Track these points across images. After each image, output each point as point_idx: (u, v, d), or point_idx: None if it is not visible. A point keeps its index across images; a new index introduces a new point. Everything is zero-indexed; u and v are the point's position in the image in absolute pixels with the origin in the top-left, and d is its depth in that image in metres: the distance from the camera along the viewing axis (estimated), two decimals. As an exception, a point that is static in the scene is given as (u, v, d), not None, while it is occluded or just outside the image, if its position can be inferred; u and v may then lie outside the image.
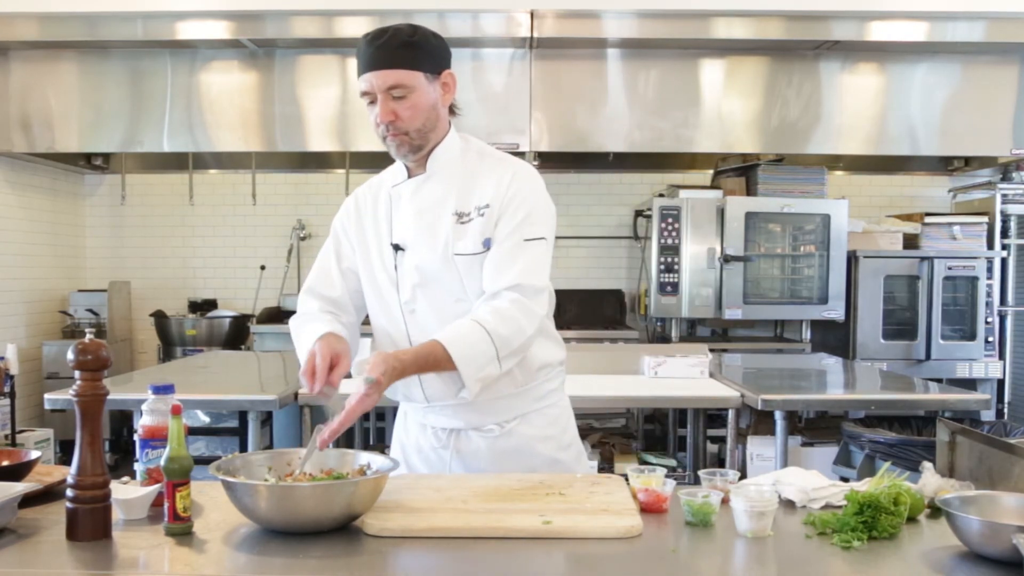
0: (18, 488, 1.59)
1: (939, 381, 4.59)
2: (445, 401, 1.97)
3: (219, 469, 1.58)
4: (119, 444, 5.83)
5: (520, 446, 1.99)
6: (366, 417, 4.88)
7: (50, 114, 5.35)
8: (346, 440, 4.06)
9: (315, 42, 5.18)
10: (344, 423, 1.70)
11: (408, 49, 1.86)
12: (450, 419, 2.00)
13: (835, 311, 5.44)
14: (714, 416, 4.29)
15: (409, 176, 1.99)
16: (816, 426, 4.15)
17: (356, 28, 5.05)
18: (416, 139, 1.90)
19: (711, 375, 3.78)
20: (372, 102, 1.88)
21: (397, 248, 1.96)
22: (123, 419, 5.75)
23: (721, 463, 3.78)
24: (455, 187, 1.94)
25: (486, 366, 1.81)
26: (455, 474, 2.01)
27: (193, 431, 4.62)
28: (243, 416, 4.05)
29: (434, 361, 1.80)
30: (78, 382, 1.53)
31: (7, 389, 4.33)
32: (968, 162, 6.12)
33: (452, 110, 1.99)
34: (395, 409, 5.30)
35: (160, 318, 5.98)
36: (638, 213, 6.18)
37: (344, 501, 1.52)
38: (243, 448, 4.35)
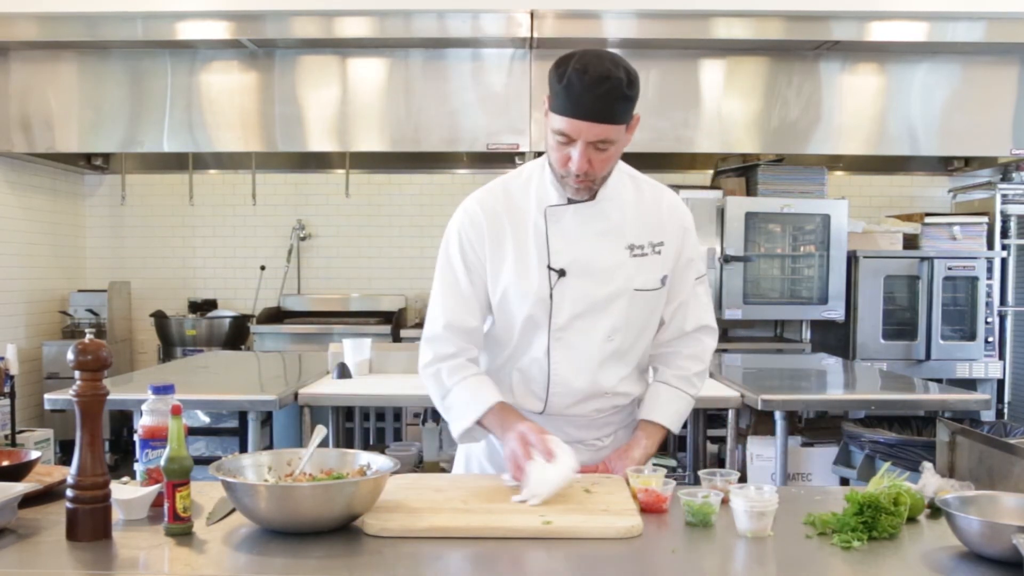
0: (18, 488, 1.59)
1: (939, 381, 4.59)
2: (563, 414, 1.98)
3: (219, 469, 1.58)
4: (119, 444, 5.83)
5: None
6: (366, 417, 4.88)
7: (50, 114, 5.34)
8: (346, 440, 4.06)
9: (315, 42, 5.18)
10: None
11: (624, 103, 1.80)
12: (558, 431, 1.93)
13: (835, 311, 5.44)
14: (714, 416, 4.28)
15: (569, 199, 1.91)
16: (816, 426, 4.15)
17: (356, 28, 5.06)
18: (598, 184, 1.88)
19: (711, 375, 3.78)
20: (566, 143, 1.79)
21: (561, 273, 1.90)
22: (123, 419, 5.75)
23: (721, 463, 3.78)
24: (625, 217, 1.94)
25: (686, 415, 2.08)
26: (455, 474, 2.01)
27: (193, 431, 4.62)
28: (243, 416, 4.05)
29: (661, 439, 2.03)
30: (78, 382, 1.53)
31: (7, 389, 4.33)
32: (968, 162, 6.12)
33: None
34: (395, 410, 5.25)
35: (160, 318, 5.98)
36: (638, 213, 6.17)
37: (344, 501, 1.52)
38: (243, 448, 4.35)
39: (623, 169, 1.99)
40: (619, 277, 1.91)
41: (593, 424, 2.03)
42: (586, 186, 1.85)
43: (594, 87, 1.75)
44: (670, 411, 2.02)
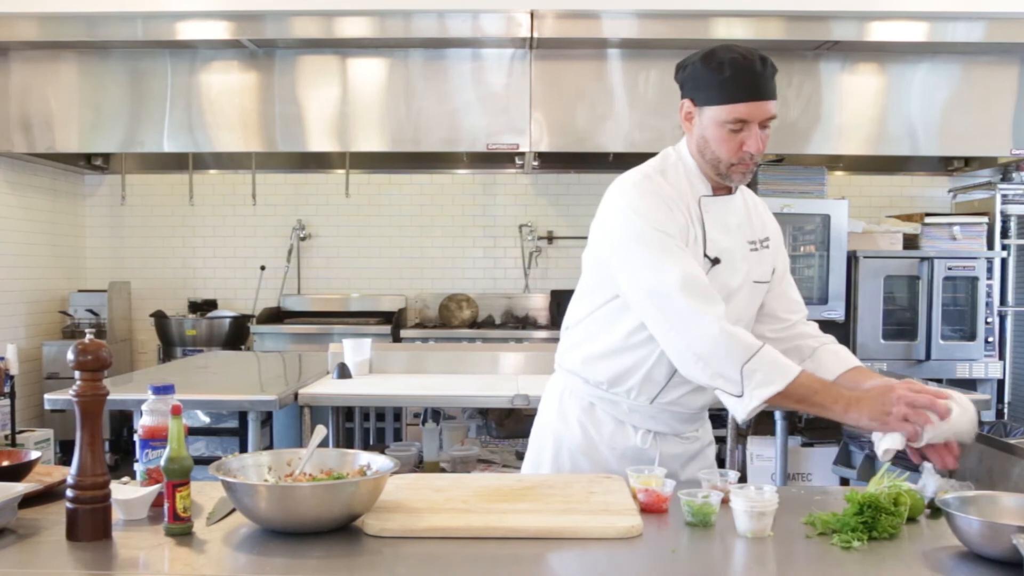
0: (18, 488, 1.59)
1: (939, 381, 4.59)
2: (671, 404, 1.99)
3: (219, 469, 1.58)
4: (119, 444, 5.83)
5: (699, 451, 2.11)
6: (366, 417, 4.88)
7: (50, 114, 5.35)
8: (346, 440, 4.06)
9: (315, 42, 5.18)
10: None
11: (775, 78, 1.88)
12: (661, 423, 2.01)
13: (835, 311, 5.44)
14: (714, 416, 4.27)
15: (713, 191, 1.96)
16: (816, 426, 4.15)
17: (356, 28, 5.06)
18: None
19: (711, 375, 3.77)
20: (738, 130, 1.84)
21: (716, 261, 1.93)
22: (123, 419, 5.75)
23: (721, 463, 3.77)
24: (744, 214, 2.02)
25: None
26: (455, 474, 2.02)
27: (193, 431, 4.62)
28: (243, 416, 4.05)
29: None
30: (78, 382, 1.53)
31: (7, 389, 4.33)
32: (968, 162, 6.11)
33: None
34: (395, 410, 5.25)
35: (160, 318, 5.98)
36: (638, 213, 6.18)
37: (344, 501, 1.52)
38: (243, 448, 4.35)
39: None
40: (744, 268, 1.97)
41: (694, 417, 2.07)
42: (751, 169, 1.91)
43: (759, 67, 1.83)
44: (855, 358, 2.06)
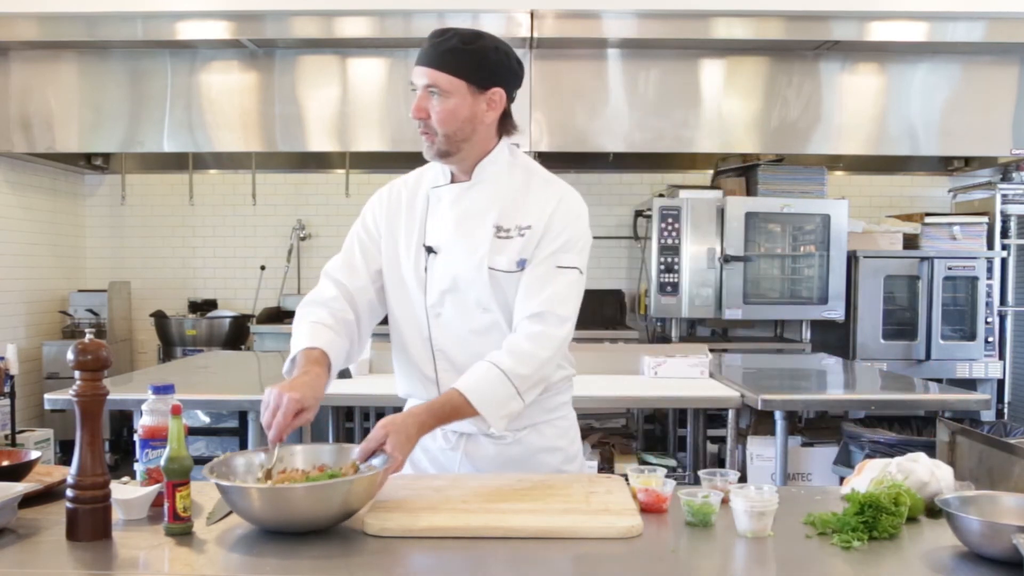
0: (18, 488, 1.59)
1: (939, 381, 4.59)
2: None
3: (212, 471, 1.57)
4: (119, 444, 5.83)
5: (528, 455, 2.00)
6: (366, 417, 4.87)
7: (50, 114, 5.35)
8: (346, 440, 4.06)
9: (315, 42, 5.18)
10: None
11: (458, 55, 1.85)
12: (462, 423, 1.94)
13: (835, 311, 5.44)
14: (714, 416, 4.29)
15: (452, 180, 1.98)
16: (816, 426, 4.16)
17: (356, 28, 5.06)
18: (443, 144, 1.89)
19: (711, 375, 3.78)
20: (414, 91, 1.91)
21: (430, 250, 1.96)
22: (123, 419, 5.75)
23: (721, 463, 3.78)
24: (499, 201, 1.95)
25: (508, 403, 1.84)
26: (455, 474, 2.02)
27: (193, 431, 4.62)
28: (243, 416, 4.05)
29: (453, 410, 1.82)
30: (78, 382, 1.53)
31: (7, 389, 4.33)
32: (968, 162, 6.12)
33: (508, 128, 1.97)
34: (395, 409, 5.27)
35: (160, 318, 5.98)
36: (638, 213, 6.19)
37: (339, 500, 1.52)
38: (243, 448, 4.34)
39: (519, 161, 2.00)
40: (477, 256, 1.93)
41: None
42: (432, 141, 1.90)
43: (434, 37, 1.88)
44: (472, 378, 1.85)
